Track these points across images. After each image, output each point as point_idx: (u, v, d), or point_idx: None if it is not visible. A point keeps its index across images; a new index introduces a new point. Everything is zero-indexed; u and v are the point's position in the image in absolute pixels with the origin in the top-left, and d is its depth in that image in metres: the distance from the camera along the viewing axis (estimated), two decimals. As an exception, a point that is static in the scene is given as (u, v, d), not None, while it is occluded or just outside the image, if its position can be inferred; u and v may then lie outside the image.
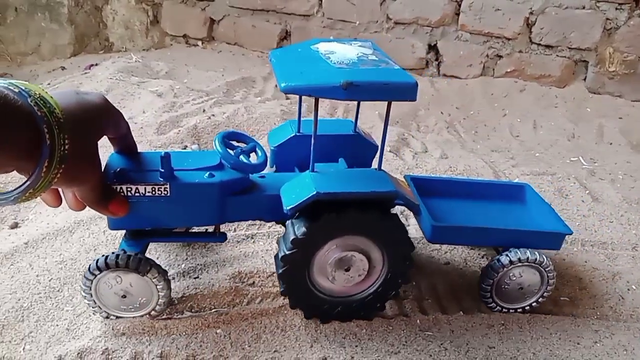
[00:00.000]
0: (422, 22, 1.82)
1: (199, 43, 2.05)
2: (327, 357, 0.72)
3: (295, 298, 0.74)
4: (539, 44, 1.76)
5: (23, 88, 0.47)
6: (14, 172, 0.49)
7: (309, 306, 0.75)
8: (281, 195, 0.69)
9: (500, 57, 1.82)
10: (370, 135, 0.88)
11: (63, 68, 1.94)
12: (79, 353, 0.69)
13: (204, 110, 1.38)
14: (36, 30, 2.02)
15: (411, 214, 0.96)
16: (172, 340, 0.72)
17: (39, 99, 0.47)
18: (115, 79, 1.54)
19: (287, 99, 1.62)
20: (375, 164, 0.74)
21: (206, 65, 1.84)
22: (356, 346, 0.74)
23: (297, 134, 0.82)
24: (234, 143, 0.74)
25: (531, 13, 1.73)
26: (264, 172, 0.75)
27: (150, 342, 0.71)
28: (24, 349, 0.70)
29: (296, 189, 0.68)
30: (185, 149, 1.23)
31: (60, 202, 0.60)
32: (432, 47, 1.86)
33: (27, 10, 1.99)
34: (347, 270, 0.72)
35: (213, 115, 1.34)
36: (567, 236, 0.87)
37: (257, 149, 0.74)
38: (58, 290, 0.79)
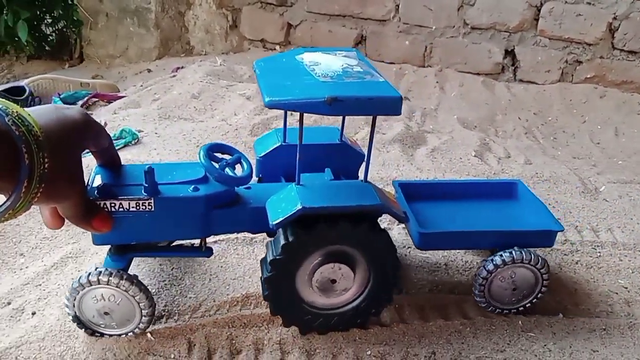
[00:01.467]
0: (500, 27, 1.83)
1: (277, 47, 2.12)
2: (435, 351, 0.76)
3: (277, 304, 0.73)
4: (621, 50, 1.74)
5: (0, 107, 0.46)
6: None
7: (290, 315, 0.74)
8: (267, 210, 0.69)
9: (579, 62, 1.80)
10: (356, 143, 0.87)
11: (149, 70, 2.05)
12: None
13: (291, 114, 1.44)
14: (124, 35, 2.14)
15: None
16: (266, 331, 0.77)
17: (16, 117, 0.46)
18: (205, 82, 1.62)
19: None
20: (362, 173, 0.73)
21: (285, 69, 1.91)
22: (462, 343, 0.77)
23: (283, 143, 0.82)
24: (219, 155, 0.73)
25: (614, 18, 1.71)
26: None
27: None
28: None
29: (282, 203, 0.68)
30: (277, 150, 1.29)
31: (61, 223, 0.59)
32: (509, 53, 1.87)
33: (117, 15, 2.12)
34: (333, 282, 0.72)
35: (301, 118, 1.40)
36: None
37: (242, 160, 0.74)
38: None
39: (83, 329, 0.73)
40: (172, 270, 0.87)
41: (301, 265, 0.70)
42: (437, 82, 1.86)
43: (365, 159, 0.71)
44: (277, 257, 0.68)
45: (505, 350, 0.77)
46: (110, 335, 0.73)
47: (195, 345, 0.75)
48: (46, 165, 0.47)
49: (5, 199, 0.47)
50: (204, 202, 0.68)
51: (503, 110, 1.74)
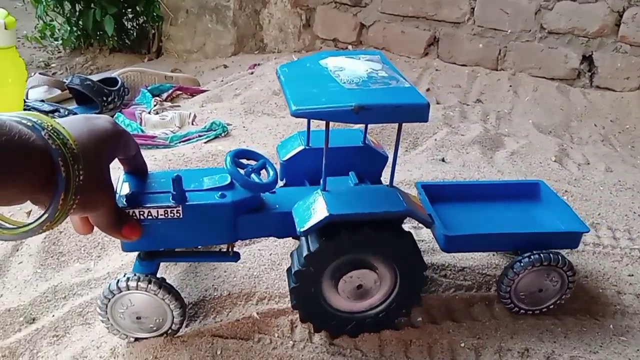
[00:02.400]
0: (579, 32, 1.81)
1: (349, 47, 2.16)
2: (529, 348, 0.78)
3: (306, 312, 0.74)
4: None
5: (36, 120, 0.47)
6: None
7: (320, 321, 0.75)
8: (294, 216, 0.69)
9: (661, 70, 1.76)
10: (380, 145, 0.86)
11: (225, 66, 2.13)
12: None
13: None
14: (203, 31, 2.23)
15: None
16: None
17: (52, 131, 0.47)
18: (285, 78, 1.68)
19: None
20: (386, 176, 0.73)
21: (358, 68, 1.95)
22: (554, 342, 0.79)
23: (306, 147, 0.81)
24: (244, 161, 0.74)
25: (701, 26, 1.66)
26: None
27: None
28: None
29: (309, 209, 0.68)
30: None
31: (91, 229, 0.60)
32: (587, 58, 1.84)
33: (196, 12, 2.21)
34: (359, 287, 0.72)
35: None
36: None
37: (267, 166, 0.74)
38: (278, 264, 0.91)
39: (118, 335, 0.74)
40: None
41: (326, 272, 0.71)
42: (510, 86, 1.86)
43: (392, 163, 0.70)
44: (302, 268, 0.69)
45: (599, 352, 0.78)
46: (145, 338, 0.74)
47: (296, 325, 0.79)
48: (81, 177, 0.48)
49: (42, 210, 0.48)
50: (232, 208, 0.69)
51: (578, 117, 1.72)
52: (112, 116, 1.51)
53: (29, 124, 0.46)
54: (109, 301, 0.70)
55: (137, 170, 0.69)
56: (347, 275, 0.71)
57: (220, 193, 0.69)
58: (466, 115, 1.61)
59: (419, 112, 0.63)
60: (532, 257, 0.78)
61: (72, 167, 0.47)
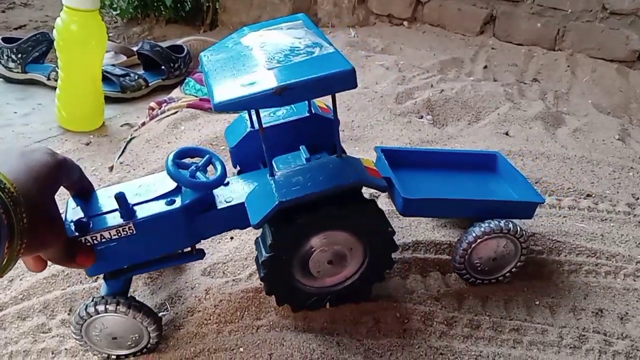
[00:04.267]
0: (642, 13, 1.78)
1: (404, 23, 2.17)
2: (602, 309, 0.81)
3: (281, 296, 0.73)
4: None
5: None
6: None
7: (297, 301, 0.75)
8: (247, 208, 0.67)
9: None
10: (327, 109, 0.81)
11: (280, 39, 2.16)
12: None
13: (431, 85, 1.50)
14: (259, 3, 2.26)
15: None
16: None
17: None
18: (345, 52, 1.71)
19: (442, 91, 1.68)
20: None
21: (413, 44, 1.96)
22: (627, 304, 0.82)
23: (252, 129, 0.77)
24: (188, 160, 0.70)
25: None
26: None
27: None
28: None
29: (259, 199, 0.66)
30: (421, 118, 1.36)
31: (44, 266, 0.57)
32: (648, 40, 1.82)
33: (253, -15, 2.24)
34: (330, 263, 0.71)
35: (443, 90, 1.46)
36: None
37: (213, 160, 0.71)
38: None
39: (98, 355, 0.73)
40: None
41: (294, 255, 0.70)
42: (568, 66, 1.85)
43: (334, 131, 0.68)
44: (268, 256, 0.67)
45: (672, 315, 0.81)
46: (125, 356, 0.74)
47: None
48: (25, 221, 0.45)
49: None
50: (183, 213, 0.66)
51: (638, 99, 1.71)
52: (182, 82, 1.57)
53: None
54: (82, 326, 0.69)
55: (83, 192, 0.67)
56: (315, 255, 0.70)
57: (168, 199, 0.67)
58: (524, 94, 1.61)
59: (345, 80, 0.58)
60: (485, 225, 0.78)
61: (13, 211, 0.44)
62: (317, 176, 0.65)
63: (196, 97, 1.43)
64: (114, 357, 0.73)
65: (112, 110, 1.49)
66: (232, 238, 0.93)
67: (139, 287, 0.85)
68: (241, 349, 0.72)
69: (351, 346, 0.73)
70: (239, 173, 0.79)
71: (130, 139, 1.29)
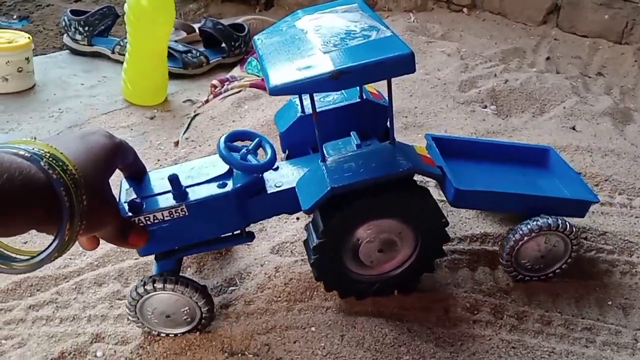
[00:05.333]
0: None
1: (463, 10, 2.13)
2: (678, 313, 0.79)
3: (330, 282, 0.73)
4: None
5: (32, 150, 0.44)
6: None
7: (344, 288, 0.75)
8: (298, 193, 0.67)
9: None
10: (379, 95, 0.80)
11: (336, 21, 2.15)
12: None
13: (495, 75, 1.47)
14: (316, -15, 2.25)
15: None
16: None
17: (50, 159, 0.44)
18: (406, 36, 1.69)
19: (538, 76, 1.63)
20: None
21: (473, 32, 1.92)
22: None
23: (302, 114, 0.76)
24: (239, 143, 0.70)
25: None
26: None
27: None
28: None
29: (311, 185, 0.65)
30: (485, 108, 1.34)
31: (97, 244, 0.59)
32: None
33: (312, -35, 2.23)
34: (380, 251, 0.70)
35: (507, 80, 1.43)
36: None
37: (263, 143, 0.70)
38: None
39: (155, 333, 0.74)
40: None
41: (344, 243, 0.69)
42: (635, 60, 1.78)
43: (389, 120, 0.67)
44: (319, 242, 0.67)
45: None
46: (179, 334, 0.74)
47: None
48: (85, 203, 0.46)
49: (49, 238, 0.47)
50: (234, 197, 0.66)
51: None
52: (242, 60, 1.58)
53: (26, 154, 0.43)
54: (136, 306, 0.70)
55: (137, 174, 0.68)
56: (365, 242, 0.69)
57: (220, 182, 0.67)
58: (589, 88, 1.57)
59: (404, 64, 0.57)
60: (536, 221, 0.76)
61: (74, 194, 0.45)
62: (370, 163, 0.65)
63: (258, 76, 1.43)
64: (172, 335, 0.74)
65: (174, 86, 1.52)
66: (298, 219, 0.94)
67: (208, 262, 0.87)
68: (312, 329, 0.74)
69: (422, 333, 0.73)
70: (287, 158, 0.79)
71: (194, 116, 1.31)
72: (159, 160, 1.15)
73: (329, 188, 0.62)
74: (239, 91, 1.34)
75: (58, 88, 1.46)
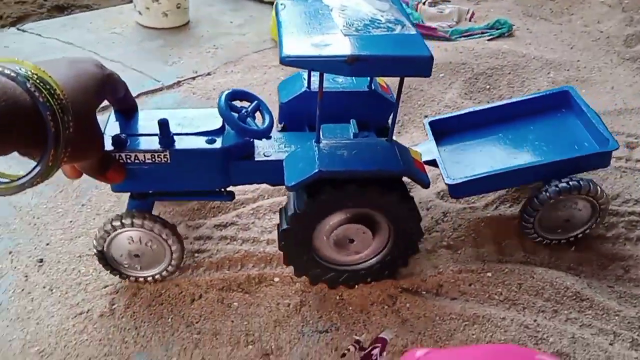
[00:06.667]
0: None
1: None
2: None
3: (299, 268, 0.71)
4: None
5: (19, 70, 0.42)
6: None
7: (314, 275, 0.72)
8: (284, 167, 0.65)
9: None
10: (388, 90, 0.76)
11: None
12: None
13: None
14: None
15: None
16: None
17: (37, 81, 0.42)
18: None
19: None
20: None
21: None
22: None
23: (307, 89, 0.74)
24: (237, 103, 0.67)
25: None
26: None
27: None
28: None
29: (299, 163, 0.63)
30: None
31: (80, 174, 0.57)
32: None
33: None
34: (351, 241, 0.68)
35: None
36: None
37: (261, 108, 0.68)
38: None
39: (115, 273, 0.73)
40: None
41: (315, 229, 0.67)
42: None
43: (392, 116, 0.64)
44: (296, 214, 0.65)
45: None
46: (144, 278, 0.73)
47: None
48: (71, 130, 0.45)
49: (31, 162, 0.45)
50: (221, 155, 0.65)
51: None
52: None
53: (12, 74, 0.41)
54: (105, 241, 0.69)
55: (126, 109, 0.66)
56: (337, 230, 0.67)
57: (209, 138, 0.65)
58: None
59: (420, 66, 0.55)
60: (558, 185, 0.70)
61: (61, 119, 0.43)
62: (363, 155, 0.63)
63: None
64: (132, 279, 0.74)
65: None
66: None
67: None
68: (489, 274, 0.74)
69: (602, 290, 0.72)
70: (282, 130, 0.78)
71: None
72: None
73: (316, 170, 0.60)
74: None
75: (210, 25, 1.52)
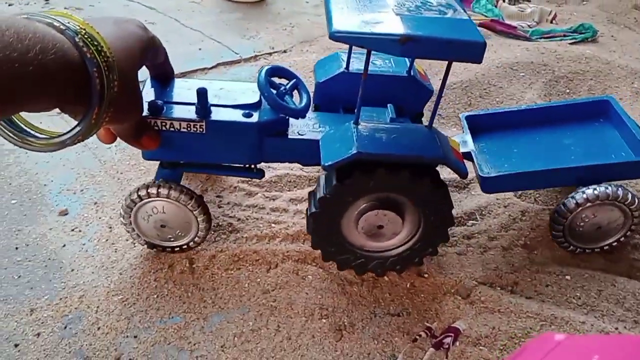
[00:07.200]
0: None
1: None
2: None
3: (327, 252, 0.70)
4: None
5: (68, 24, 0.41)
6: None
7: (342, 260, 0.71)
8: (321, 147, 0.63)
9: None
10: (426, 78, 0.76)
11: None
12: None
13: None
14: None
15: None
16: None
17: (85, 36, 0.41)
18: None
19: None
20: (427, 115, 0.64)
21: None
22: None
23: (345, 70, 0.73)
24: (276, 80, 0.67)
25: None
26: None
27: None
28: None
29: (336, 143, 0.62)
30: None
31: (115, 138, 0.56)
32: None
33: None
34: (380, 227, 0.67)
35: None
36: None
37: (299, 87, 0.67)
38: None
39: (145, 244, 0.73)
40: None
41: (344, 214, 0.66)
42: None
43: (435, 102, 0.62)
44: (327, 196, 0.64)
45: None
46: (172, 248, 0.73)
47: None
48: (115, 89, 0.44)
49: (74, 122, 0.44)
50: (256, 129, 0.64)
51: None
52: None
53: (61, 27, 0.40)
54: (132, 209, 0.69)
55: (163, 76, 0.65)
56: (366, 216, 0.66)
57: (246, 112, 0.64)
58: None
59: (473, 51, 0.53)
60: (588, 191, 0.68)
61: (106, 77, 0.42)
62: (403, 139, 0.62)
63: (486, 17, 1.39)
64: (159, 248, 0.74)
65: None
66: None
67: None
68: (567, 277, 0.73)
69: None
70: (315, 109, 0.76)
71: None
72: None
73: (355, 151, 0.59)
74: (468, 29, 1.31)
75: (287, 3, 1.53)
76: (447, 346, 0.67)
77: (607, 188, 0.68)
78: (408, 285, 0.74)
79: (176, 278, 0.72)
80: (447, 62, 0.58)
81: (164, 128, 0.62)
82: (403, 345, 0.67)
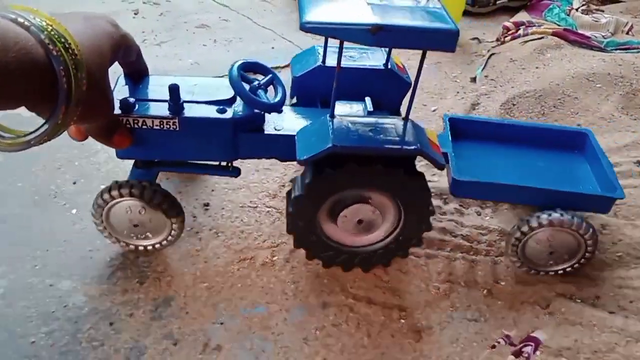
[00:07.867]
0: None
1: None
2: None
3: (300, 238, 0.69)
4: None
5: (34, 20, 0.39)
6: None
7: (326, 257, 0.71)
8: (296, 141, 0.63)
9: None
10: (404, 70, 0.76)
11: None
12: None
13: None
14: None
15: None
16: None
17: (52, 33, 0.39)
18: None
19: None
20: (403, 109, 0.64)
21: None
22: None
23: (321, 64, 0.72)
24: (251, 75, 0.66)
25: None
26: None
27: None
28: None
29: (312, 137, 0.62)
30: None
31: (86, 136, 0.55)
32: None
33: None
34: (360, 222, 0.67)
35: None
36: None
37: (275, 82, 0.67)
38: None
39: (116, 242, 0.72)
40: None
41: (325, 204, 0.66)
42: None
43: (410, 95, 0.62)
44: (301, 195, 0.64)
45: None
46: (144, 247, 0.73)
47: None
48: (84, 88, 0.42)
49: (41, 120, 0.43)
50: (231, 125, 0.64)
51: None
52: (533, 6, 1.52)
53: (26, 23, 0.39)
54: (103, 209, 0.68)
55: (137, 73, 0.65)
56: (348, 209, 0.66)
57: (220, 107, 0.64)
58: None
59: (446, 40, 0.53)
60: (545, 215, 0.69)
61: (74, 76, 0.41)
62: (379, 132, 0.62)
63: (559, 26, 1.37)
64: (131, 247, 0.73)
65: (459, 22, 1.51)
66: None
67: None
68: None
69: None
70: (293, 105, 0.76)
71: (491, 55, 1.30)
72: (457, 92, 1.17)
73: (330, 145, 0.59)
74: (540, 37, 1.30)
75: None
76: (527, 355, 0.67)
77: (565, 214, 0.69)
78: (485, 292, 0.74)
79: (259, 269, 0.74)
80: (421, 52, 0.58)
81: (136, 126, 0.62)
82: (481, 351, 0.67)
